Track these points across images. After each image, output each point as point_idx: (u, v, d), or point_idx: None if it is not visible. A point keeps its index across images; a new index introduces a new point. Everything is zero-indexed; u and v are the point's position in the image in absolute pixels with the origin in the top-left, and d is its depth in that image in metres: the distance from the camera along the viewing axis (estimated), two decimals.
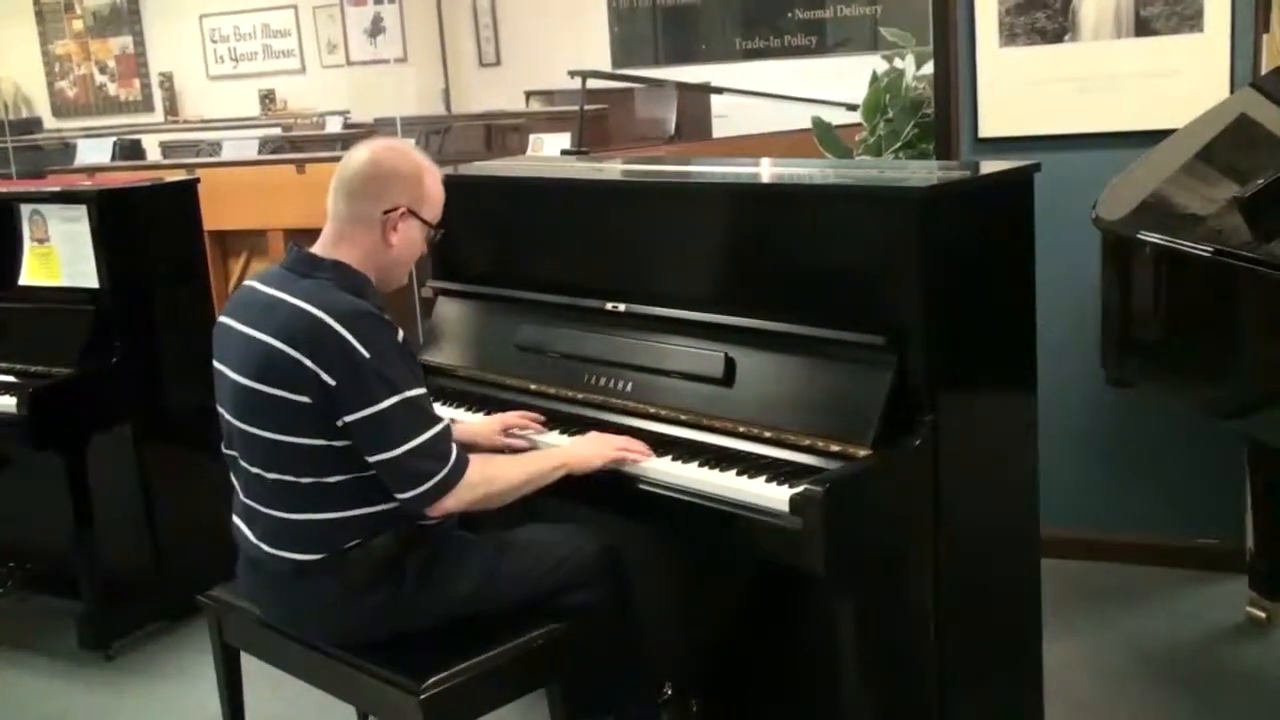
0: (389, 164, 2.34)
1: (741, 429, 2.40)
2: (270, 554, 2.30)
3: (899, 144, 4.42)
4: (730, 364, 2.45)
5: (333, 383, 2.16)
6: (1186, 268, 2.66)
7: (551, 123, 6.57)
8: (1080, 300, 3.30)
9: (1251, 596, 3.29)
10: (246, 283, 2.38)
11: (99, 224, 3.53)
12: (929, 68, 3.98)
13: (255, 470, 2.29)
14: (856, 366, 2.28)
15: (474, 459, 2.29)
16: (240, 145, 7.46)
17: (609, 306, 2.68)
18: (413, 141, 2.93)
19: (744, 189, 2.72)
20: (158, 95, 11.70)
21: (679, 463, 2.37)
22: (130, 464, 3.59)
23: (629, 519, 2.52)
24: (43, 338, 3.58)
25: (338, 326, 2.17)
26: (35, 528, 3.73)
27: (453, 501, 2.24)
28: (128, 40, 11.79)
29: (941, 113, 3.68)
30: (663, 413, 2.53)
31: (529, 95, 8.53)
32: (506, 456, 2.48)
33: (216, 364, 2.35)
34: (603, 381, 2.64)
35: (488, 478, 2.29)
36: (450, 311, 3.04)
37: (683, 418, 2.50)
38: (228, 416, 2.33)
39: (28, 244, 3.71)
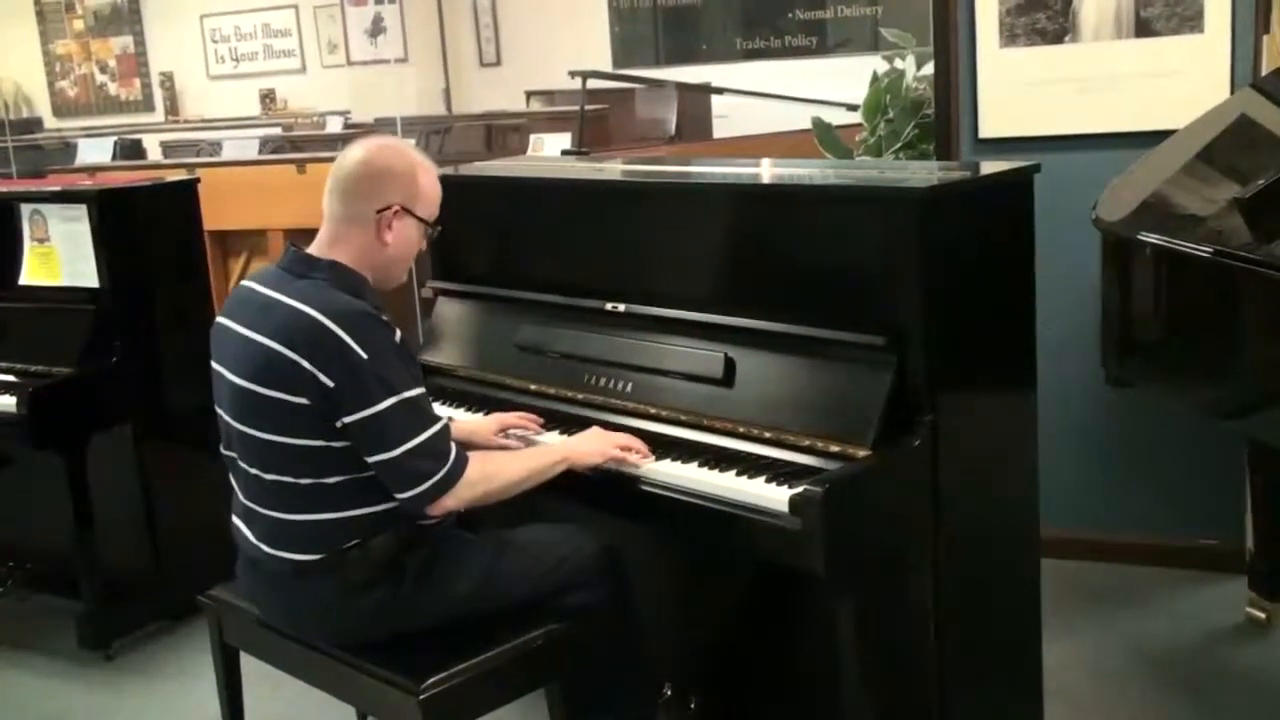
0: (382, 162, 2.33)
1: (741, 429, 2.40)
2: (269, 554, 2.30)
3: (899, 144, 4.42)
4: (730, 364, 2.45)
5: (331, 384, 2.16)
6: (1186, 268, 2.66)
7: (552, 123, 6.57)
8: (1080, 301, 3.30)
9: (1251, 597, 3.29)
10: (243, 283, 2.38)
11: (99, 224, 3.53)
12: (929, 68, 3.98)
13: (254, 471, 2.29)
14: (856, 367, 2.28)
15: (473, 456, 2.29)
16: (240, 145, 7.45)
17: (609, 307, 2.68)
18: (412, 141, 2.93)
19: (744, 189, 2.72)
20: (158, 95, 11.70)
21: (679, 463, 2.37)
22: (130, 464, 3.59)
23: (629, 519, 2.51)
24: (43, 337, 3.58)
25: (335, 328, 2.17)
26: (35, 527, 3.73)
27: (453, 500, 2.24)
28: (128, 40, 11.79)
29: (942, 113, 3.68)
30: (663, 413, 2.53)
31: (529, 95, 8.53)
32: (506, 453, 2.48)
33: (215, 365, 2.35)
34: (603, 382, 2.64)
35: (488, 475, 2.29)
36: (450, 311, 3.04)
37: (682, 418, 2.50)
38: (226, 417, 2.32)
39: (28, 243, 3.71)
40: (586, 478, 2.40)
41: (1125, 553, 3.66)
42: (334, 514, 2.25)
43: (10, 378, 3.51)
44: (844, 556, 2.12)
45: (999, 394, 2.53)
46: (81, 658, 3.55)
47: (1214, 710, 2.95)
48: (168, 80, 11.60)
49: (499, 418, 2.65)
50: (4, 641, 3.70)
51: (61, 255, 3.63)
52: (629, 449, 2.41)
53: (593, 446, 2.41)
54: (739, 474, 2.28)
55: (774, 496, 2.18)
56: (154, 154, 8.27)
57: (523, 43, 9.96)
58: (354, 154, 2.34)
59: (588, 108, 6.02)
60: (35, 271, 3.70)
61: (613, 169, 3.51)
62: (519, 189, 3.15)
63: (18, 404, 3.30)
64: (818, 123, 4.77)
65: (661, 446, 2.44)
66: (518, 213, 3.02)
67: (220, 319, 2.35)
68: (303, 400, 2.18)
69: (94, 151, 7.43)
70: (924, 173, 2.75)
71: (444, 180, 2.43)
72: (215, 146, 7.74)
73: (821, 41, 8.72)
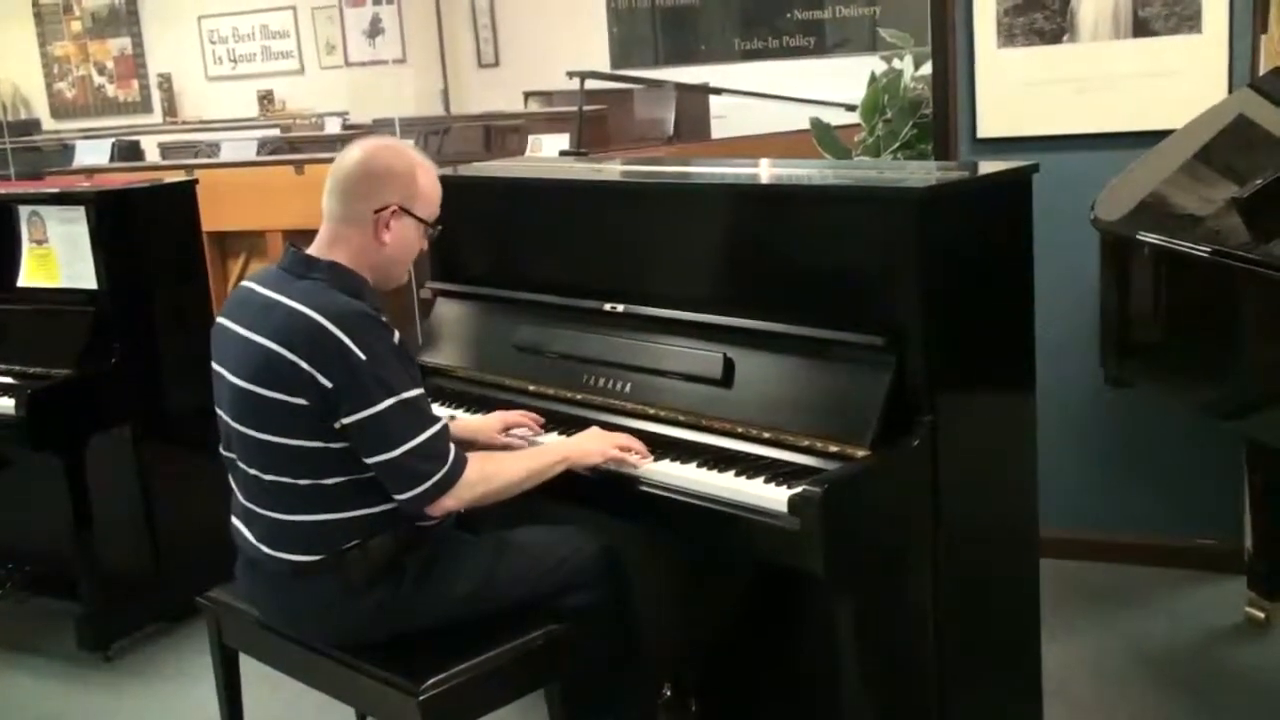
0: (380, 162, 2.33)
1: (740, 429, 2.40)
2: (269, 555, 2.30)
3: (897, 144, 4.43)
4: (729, 364, 2.45)
5: (329, 385, 2.16)
6: (1185, 268, 2.66)
7: (550, 123, 6.57)
8: (1079, 301, 3.30)
9: (1250, 597, 3.30)
10: (243, 283, 2.38)
11: (97, 225, 3.53)
12: (927, 68, 3.99)
13: (253, 472, 2.29)
14: (855, 367, 2.28)
15: (473, 457, 2.28)
16: (239, 146, 7.46)
17: (607, 307, 2.68)
18: (410, 142, 2.93)
19: (743, 190, 2.72)
20: (156, 96, 11.69)
21: (678, 463, 2.37)
22: (129, 465, 3.59)
23: (628, 520, 2.51)
24: (41, 339, 3.58)
25: (334, 329, 2.17)
26: (34, 529, 3.73)
27: (452, 501, 2.24)
28: (126, 41, 11.79)
29: (940, 113, 3.68)
30: (661, 413, 2.53)
31: (528, 96, 8.52)
32: (505, 453, 2.48)
33: (215, 366, 2.35)
34: (601, 382, 2.64)
35: (487, 475, 2.29)
36: (449, 312, 3.04)
37: (681, 418, 2.50)
38: (226, 418, 2.32)
39: (26, 245, 3.70)
40: (586, 478, 2.40)
41: (1124, 553, 3.66)
42: (333, 515, 2.25)
43: (9, 379, 3.51)
44: (843, 557, 2.12)
45: (998, 394, 2.53)
46: (81, 659, 3.54)
47: (1213, 710, 2.95)
48: (166, 82, 11.59)
49: (502, 416, 2.65)
50: (3, 643, 3.70)
51: (60, 257, 3.63)
52: (628, 449, 2.41)
53: (592, 447, 2.41)
54: (738, 474, 2.28)
55: (773, 497, 2.18)
56: (152, 155, 8.27)
57: (521, 43, 9.96)
58: (352, 154, 2.34)
59: (586, 108, 6.02)
60: (34, 273, 3.69)
61: (611, 169, 3.51)
62: (517, 190, 3.15)
63: (16, 406, 3.30)
64: (816, 123, 4.78)
65: (660, 447, 2.44)
66: (516, 213, 3.02)
67: (220, 319, 2.35)
68: (302, 401, 2.18)
69: (92, 153, 7.43)
70: (922, 173, 2.76)
71: (443, 181, 2.43)
72: (213, 148, 7.74)
73: (820, 42, 8.73)
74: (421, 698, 2.18)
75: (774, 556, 2.22)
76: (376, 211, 2.31)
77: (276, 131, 8.85)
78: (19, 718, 3.35)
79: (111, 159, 7.34)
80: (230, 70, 11.24)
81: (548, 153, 5.73)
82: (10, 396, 3.33)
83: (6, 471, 3.76)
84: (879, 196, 2.41)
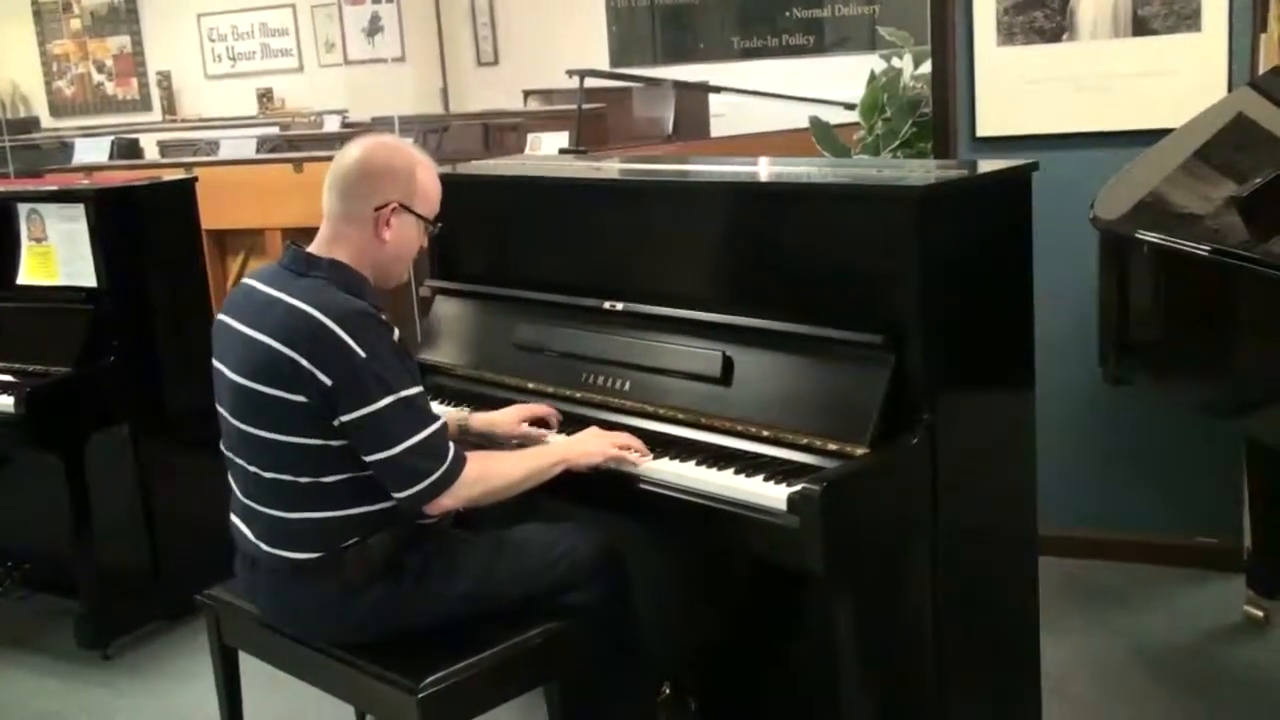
0: (380, 159, 2.33)
1: (739, 428, 2.40)
2: (268, 553, 2.30)
3: (897, 143, 4.43)
4: (728, 363, 2.45)
5: (329, 382, 2.16)
6: (1184, 267, 2.66)
7: (549, 122, 6.58)
8: (1078, 299, 3.30)
9: (1249, 595, 3.30)
10: (244, 280, 2.38)
11: (97, 223, 3.53)
12: (927, 67, 3.99)
13: (253, 469, 2.29)
14: (854, 365, 2.28)
15: (472, 456, 2.29)
16: (238, 144, 7.46)
17: (606, 305, 2.68)
18: (410, 140, 2.94)
19: (741, 188, 2.72)
20: (155, 94, 11.70)
21: (677, 461, 2.37)
22: (128, 463, 3.59)
23: (627, 518, 2.51)
24: (41, 337, 3.58)
25: (334, 326, 2.17)
26: (33, 527, 3.73)
27: (451, 499, 2.24)
28: (125, 39, 11.79)
29: (939, 112, 3.68)
30: (660, 412, 2.53)
31: (527, 94, 8.53)
32: (504, 453, 2.48)
33: (215, 363, 2.35)
34: (600, 380, 2.64)
35: (485, 474, 2.29)
36: (448, 311, 3.04)
37: (680, 417, 2.50)
38: (226, 415, 2.32)
39: (25, 243, 3.70)
40: (585, 476, 2.40)
41: (1123, 551, 3.67)
42: (333, 512, 2.25)
43: (8, 377, 3.51)
44: (842, 555, 2.12)
45: (997, 392, 2.53)
46: (80, 657, 3.54)
47: (1212, 708, 2.95)
48: (165, 80, 11.60)
49: (524, 408, 2.64)
50: (2, 641, 3.70)
51: (59, 255, 3.63)
52: (628, 448, 2.41)
53: (592, 447, 2.41)
54: (737, 472, 2.28)
55: (772, 495, 2.18)
56: (151, 153, 8.27)
57: (520, 42, 9.97)
58: (352, 152, 2.34)
59: (585, 107, 6.02)
60: (33, 271, 3.69)
61: (610, 168, 3.51)
62: (516, 188, 3.15)
63: (15, 404, 3.30)
64: (815, 121, 4.78)
65: (659, 445, 2.44)
66: (515, 212, 3.02)
67: (221, 316, 2.35)
68: (301, 398, 2.18)
69: (91, 151, 7.43)
70: (921, 171, 2.75)
71: (442, 180, 2.43)
72: (212, 146, 7.74)
73: (819, 40, 8.74)
74: (420, 696, 2.18)
75: (773, 554, 2.22)
76: (377, 209, 2.31)
77: (275, 130, 8.85)
78: (18, 716, 3.35)
79: (111, 157, 7.34)
80: (229, 68, 11.24)
81: (547, 151, 5.74)
82: (9, 394, 3.33)
83: (5, 469, 3.77)
84: (878, 195, 2.41)
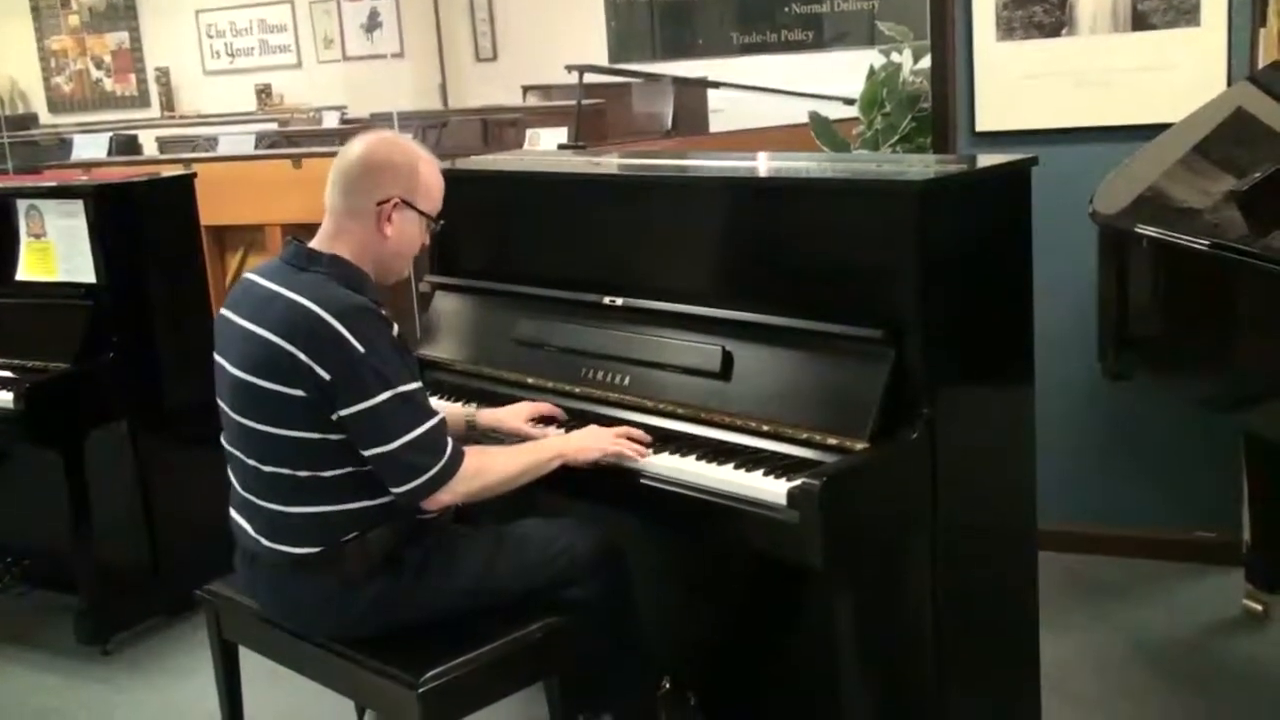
0: (382, 155, 2.34)
1: (739, 423, 2.40)
2: (268, 548, 2.31)
3: (896, 138, 4.42)
4: (728, 358, 2.45)
5: (327, 377, 2.16)
6: (1183, 261, 2.66)
7: (548, 117, 6.58)
8: (1077, 294, 3.30)
9: (1248, 589, 3.30)
10: (246, 275, 2.38)
11: (96, 219, 3.52)
12: (926, 62, 3.98)
13: (253, 463, 2.29)
14: (854, 360, 2.28)
15: (470, 451, 2.29)
16: (237, 140, 7.45)
17: (606, 301, 2.68)
18: (410, 136, 2.93)
19: (741, 183, 2.72)
20: (154, 90, 11.69)
21: (676, 456, 2.37)
22: (128, 459, 3.59)
23: (627, 513, 2.52)
24: (40, 333, 3.58)
25: (333, 321, 2.17)
26: (33, 523, 3.73)
27: (449, 495, 2.25)
28: (124, 35, 11.78)
29: (939, 107, 3.68)
30: (660, 407, 2.53)
31: (526, 90, 8.53)
32: (502, 448, 2.48)
33: (216, 357, 2.35)
34: (600, 375, 2.64)
35: (483, 470, 2.29)
36: (447, 306, 3.04)
37: (680, 412, 2.50)
38: (226, 409, 2.33)
39: (24, 239, 3.70)
40: (584, 472, 2.40)
41: (1122, 546, 3.67)
42: (332, 507, 2.25)
43: (7, 373, 3.51)
44: (842, 549, 2.12)
45: (996, 387, 2.53)
46: (79, 653, 3.54)
47: (1211, 702, 2.95)
48: (163, 76, 11.59)
49: (526, 406, 2.64)
50: (2, 637, 3.70)
51: (58, 250, 3.62)
52: (629, 438, 2.41)
53: (591, 444, 2.41)
54: (737, 467, 2.28)
55: (772, 489, 2.18)
56: (150, 149, 8.27)
57: (519, 37, 9.96)
58: (355, 147, 2.35)
59: (584, 102, 6.02)
60: (32, 267, 3.69)
61: (609, 163, 3.51)
62: (516, 184, 3.15)
63: (14, 400, 3.30)
64: (814, 117, 4.77)
65: (659, 440, 2.44)
66: (514, 207, 3.02)
67: (223, 311, 2.36)
68: (300, 393, 2.18)
69: (90, 147, 7.42)
70: (921, 166, 2.76)
71: (441, 175, 2.43)
72: (211, 142, 7.74)
73: (818, 35, 8.73)
74: (420, 690, 2.18)
75: (772, 549, 2.22)
76: (379, 204, 2.31)
77: (274, 126, 8.85)
78: (18, 712, 3.35)
79: (109, 153, 7.34)
80: (228, 64, 11.23)
81: (546, 147, 5.73)
82: (8, 390, 3.33)
83: (5, 465, 3.77)
84: (877, 190, 2.41)
